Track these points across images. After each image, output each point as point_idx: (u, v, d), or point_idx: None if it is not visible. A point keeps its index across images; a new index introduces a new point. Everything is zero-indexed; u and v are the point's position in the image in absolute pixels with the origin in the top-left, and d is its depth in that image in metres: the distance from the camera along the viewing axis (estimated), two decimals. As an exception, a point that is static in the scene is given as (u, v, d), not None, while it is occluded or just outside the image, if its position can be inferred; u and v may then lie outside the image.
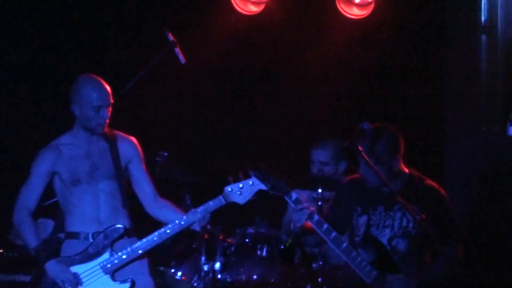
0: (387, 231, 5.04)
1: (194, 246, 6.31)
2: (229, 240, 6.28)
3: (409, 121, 7.19)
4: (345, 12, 7.34)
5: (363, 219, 5.08)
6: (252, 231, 6.16)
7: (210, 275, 6.11)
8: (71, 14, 7.34)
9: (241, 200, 5.05)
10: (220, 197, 5.05)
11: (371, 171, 4.92)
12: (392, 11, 7.38)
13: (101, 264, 4.99)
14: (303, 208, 4.94)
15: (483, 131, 7.06)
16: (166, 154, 6.60)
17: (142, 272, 5.09)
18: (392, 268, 4.93)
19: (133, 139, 5.24)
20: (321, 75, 7.59)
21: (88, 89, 5.04)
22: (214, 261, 6.13)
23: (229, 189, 5.05)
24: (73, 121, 5.13)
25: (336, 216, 5.15)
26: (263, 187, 5.01)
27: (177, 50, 5.85)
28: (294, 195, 4.96)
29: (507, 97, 7.09)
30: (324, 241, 5.00)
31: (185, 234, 6.27)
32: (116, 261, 5.00)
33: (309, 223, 4.96)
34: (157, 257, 6.27)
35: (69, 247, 5.05)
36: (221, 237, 6.25)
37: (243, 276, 5.99)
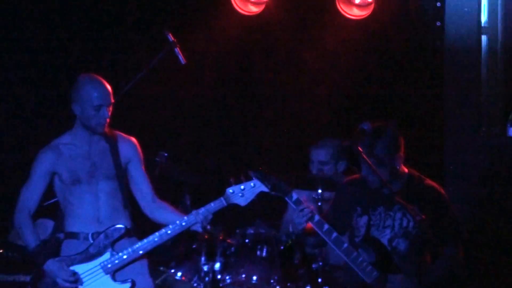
0: (388, 231, 5.04)
1: (194, 246, 6.31)
2: (229, 240, 6.27)
3: (409, 121, 7.18)
4: (345, 12, 7.34)
5: (363, 220, 5.08)
6: (252, 231, 6.16)
7: (210, 275, 6.10)
8: (71, 14, 7.33)
9: (242, 202, 5.05)
10: (222, 198, 5.05)
11: (371, 171, 4.92)
12: (392, 11, 7.38)
13: (102, 264, 4.98)
14: (303, 208, 4.94)
15: (483, 132, 7.06)
16: (166, 154, 6.60)
17: (142, 273, 5.08)
18: (392, 269, 4.93)
19: (134, 139, 5.23)
20: (321, 75, 7.59)
21: (88, 88, 5.03)
22: (214, 262, 6.12)
23: (231, 190, 5.04)
24: (74, 121, 5.13)
25: (336, 216, 5.15)
26: (264, 189, 5.01)
27: (177, 50, 5.85)
28: (294, 195, 4.95)
29: (507, 98, 7.09)
30: (325, 242, 5.00)
31: (185, 234, 6.28)
32: (116, 261, 4.99)
33: (309, 224, 4.96)
34: (157, 258, 6.27)
35: (69, 247, 5.05)
36: (221, 238, 6.24)
37: (243, 276, 5.98)
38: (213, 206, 5.05)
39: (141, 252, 5.01)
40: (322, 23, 7.53)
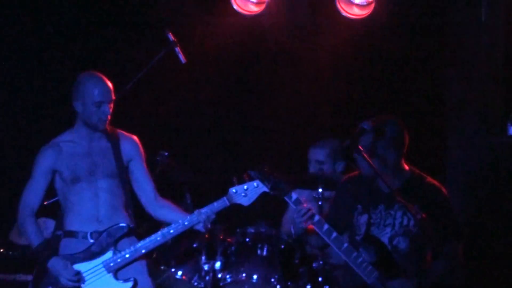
0: (388, 230, 5.03)
1: (194, 245, 6.31)
2: (229, 239, 6.27)
3: (410, 120, 7.16)
4: (346, 12, 7.34)
5: (363, 218, 5.08)
6: (252, 230, 6.15)
7: (211, 274, 6.10)
8: (72, 13, 7.34)
9: (245, 201, 5.06)
10: (225, 198, 5.05)
11: (372, 170, 4.92)
12: (392, 11, 7.38)
13: (104, 262, 4.99)
14: (302, 208, 4.93)
15: (484, 130, 7.06)
16: (166, 153, 6.60)
17: (141, 272, 5.09)
18: (393, 268, 4.92)
19: (135, 137, 5.24)
20: (322, 74, 7.59)
21: (89, 84, 5.04)
22: (215, 261, 6.12)
23: (234, 190, 5.05)
24: (75, 119, 5.13)
25: (337, 215, 5.14)
26: (267, 189, 5.01)
27: (178, 49, 5.86)
28: (294, 195, 4.95)
29: (508, 97, 7.10)
30: (328, 244, 4.98)
31: (185, 233, 6.28)
32: (119, 260, 4.99)
33: (310, 225, 4.96)
34: (158, 257, 6.27)
35: (67, 246, 5.05)
36: (221, 237, 6.25)
37: (243, 275, 5.98)
38: (216, 205, 5.05)
39: (143, 251, 5.02)
40: (322, 23, 7.53)
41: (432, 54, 7.44)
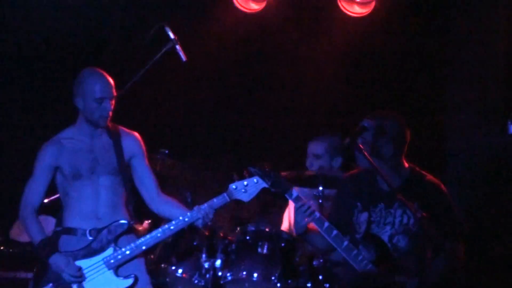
0: (388, 228, 5.03)
1: (195, 243, 6.31)
2: (229, 237, 6.27)
3: (410, 119, 7.16)
4: (346, 10, 7.35)
5: (363, 216, 5.07)
6: (252, 228, 6.15)
7: (211, 272, 6.10)
8: (73, 12, 7.34)
9: (245, 197, 5.05)
10: (225, 194, 5.04)
11: (373, 168, 4.91)
12: (393, 9, 7.38)
13: (105, 259, 4.98)
14: (302, 205, 4.92)
15: (484, 129, 7.06)
16: (166, 151, 6.60)
17: (139, 270, 5.08)
18: (392, 266, 4.92)
19: (137, 134, 5.24)
20: (322, 72, 7.59)
21: (91, 81, 5.04)
22: (215, 259, 6.12)
23: (234, 186, 5.04)
24: (77, 116, 5.13)
25: (339, 215, 5.12)
26: (268, 186, 5.01)
27: (178, 47, 5.85)
28: (294, 192, 4.94)
29: (508, 96, 7.10)
30: (332, 247, 4.98)
31: (186, 231, 6.28)
32: (119, 257, 4.99)
33: (314, 225, 4.95)
34: (158, 255, 6.27)
35: (66, 243, 5.04)
36: (221, 235, 6.24)
37: (244, 273, 5.98)
38: (216, 202, 5.04)
39: (144, 247, 5.01)
40: (323, 21, 7.53)
41: (433, 53, 7.44)
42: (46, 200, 5.25)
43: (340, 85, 7.57)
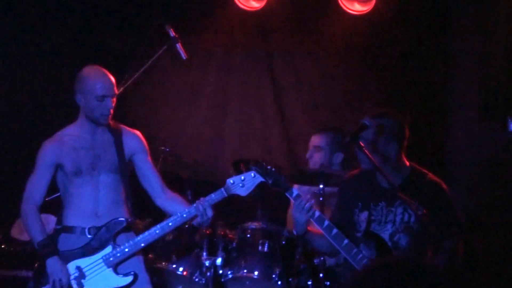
0: (389, 226, 5.02)
1: (195, 241, 6.31)
2: (230, 235, 6.28)
3: (411, 117, 7.18)
4: (347, 8, 7.35)
5: (364, 215, 5.06)
6: (253, 226, 6.15)
7: (212, 270, 6.11)
8: (73, 10, 7.33)
9: (243, 192, 5.03)
10: (222, 189, 5.02)
11: (373, 166, 4.91)
12: (393, 6, 7.37)
13: (104, 257, 4.98)
14: (302, 201, 4.90)
15: (484, 126, 7.06)
16: (167, 150, 6.60)
17: (139, 268, 5.08)
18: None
19: (138, 132, 5.24)
20: (322, 70, 7.58)
21: (92, 78, 5.04)
22: (216, 257, 6.13)
23: (231, 181, 5.02)
24: (78, 113, 5.14)
25: (342, 216, 5.11)
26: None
27: (179, 45, 5.85)
28: (295, 191, 4.92)
29: (508, 92, 7.09)
30: (336, 250, 4.97)
31: (186, 229, 6.28)
32: (118, 255, 4.99)
33: (314, 226, 4.94)
34: (159, 253, 6.27)
35: (65, 242, 5.04)
36: (222, 233, 6.25)
37: (245, 271, 5.98)
38: (214, 197, 5.02)
39: (142, 244, 5.00)
40: (323, 19, 7.52)
41: (433, 50, 7.43)
42: (47, 199, 5.24)
43: (340, 83, 7.56)
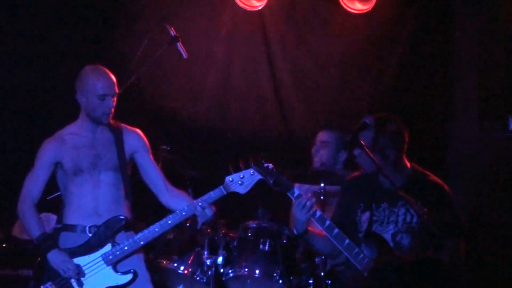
0: (391, 226, 5.03)
1: (196, 240, 6.31)
2: (231, 234, 6.28)
3: (411, 116, 7.18)
4: (347, 6, 7.35)
5: (365, 215, 5.07)
6: (254, 225, 6.15)
7: (213, 269, 6.11)
8: (74, 9, 7.33)
9: (242, 190, 5.03)
10: (221, 187, 5.03)
11: (374, 166, 4.91)
12: (394, 5, 7.37)
13: (103, 255, 4.99)
14: (302, 200, 4.90)
15: (485, 125, 7.06)
16: (168, 148, 6.60)
17: (139, 267, 5.09)
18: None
19: (139, 131, 5.25)
20: (324, 69, 7.58)
21: (93, 77, 5.05)
22: (217, 255, 6.13)
23: (230, 179, 5.02)
24: (79, 112, 5.14)
25: (344, 217, 5.11)
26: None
27: (179, 44, 5.85)
28: (296, 191, 4.93)
29: (509, 92, 7.10)
30: (337, 251, 4.98)
31: (187, 228, 6.29)
32: (118, 253, 4.99)
33: (315, 227, 4.95)
34: (160, 251, 6.28)
35: (66, 240, 5.04)
36: (223, 231, 6.25)
37: (246, 270, 5.99)
38: (213, 195, 5.03)
39: (142, 242, 5.00)
40: (324, 18, 7.52)
41: (433, 49, 7.44)
42: (48, 198, 5.25)
43: (340, 82, 7.57)
